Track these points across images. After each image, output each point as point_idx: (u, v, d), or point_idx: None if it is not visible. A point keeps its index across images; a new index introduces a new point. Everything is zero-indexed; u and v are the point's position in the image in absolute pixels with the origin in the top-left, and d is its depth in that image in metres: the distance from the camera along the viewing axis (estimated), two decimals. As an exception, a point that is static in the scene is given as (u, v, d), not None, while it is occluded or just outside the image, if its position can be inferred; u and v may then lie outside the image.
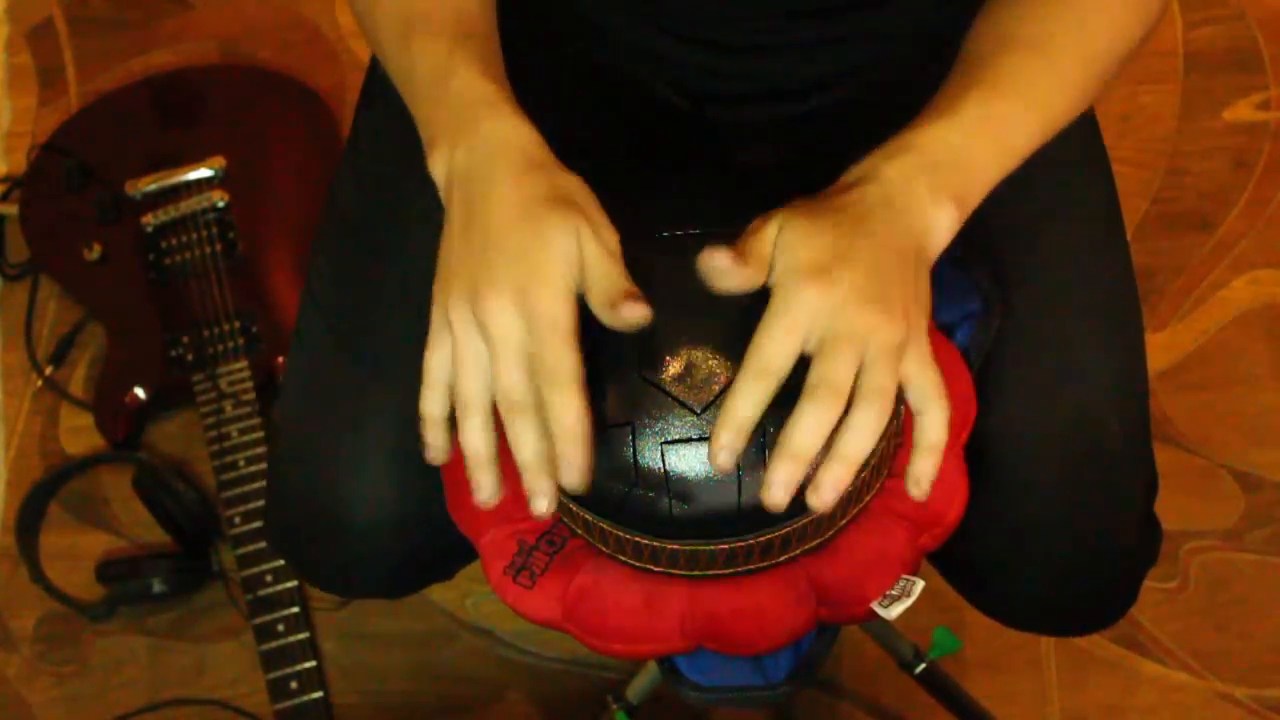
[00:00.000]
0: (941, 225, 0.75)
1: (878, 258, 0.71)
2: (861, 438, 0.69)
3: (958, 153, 0.76)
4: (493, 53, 0.80)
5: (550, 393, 0.70)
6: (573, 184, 0.75)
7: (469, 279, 0.72)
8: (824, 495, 0.70)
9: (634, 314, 0.71)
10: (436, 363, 0.75)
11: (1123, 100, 1.79)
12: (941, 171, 0.75)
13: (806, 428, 0.69)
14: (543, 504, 0.72)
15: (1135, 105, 1.79)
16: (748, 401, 0.69)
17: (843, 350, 0.69)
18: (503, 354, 0.71)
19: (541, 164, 0.75)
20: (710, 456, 0.70)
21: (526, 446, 0.71)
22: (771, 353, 0.69)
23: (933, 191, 0.74)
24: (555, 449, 0.71)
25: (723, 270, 0.71)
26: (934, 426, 0.72)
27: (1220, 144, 1.75)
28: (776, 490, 0.69)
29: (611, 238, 0.73)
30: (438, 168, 0.77)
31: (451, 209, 0.76)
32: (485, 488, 0.74)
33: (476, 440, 0.73)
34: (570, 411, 0.70)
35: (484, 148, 0.75)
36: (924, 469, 0.73)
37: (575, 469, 0.70)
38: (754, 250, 0.71)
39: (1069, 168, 0.98)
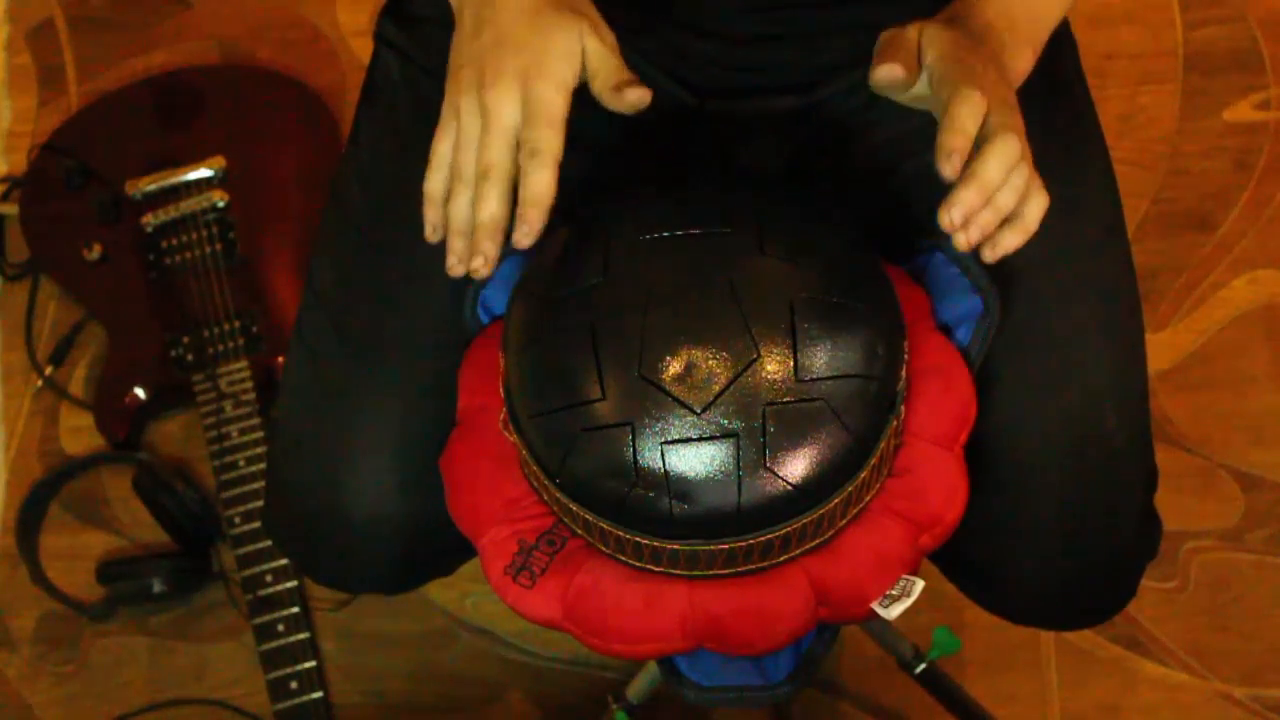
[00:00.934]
0: (1020, 68, 0.84)
1: (1002, 80, 0.80)
2: (1037, 207, 0.77)
3: (1030, 5, 0.85)
4: None
5: (529, 161, 0.76)
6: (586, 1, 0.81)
7: (476, 69, 0.78)
8: (1002, 246, 0.77)
9: (635, 94, 0.77)
10: (443, 147, 0.80)
11: (1123, 100, 1.79)
12: (1019, 20, 0.84)
13: (996, 161, 0.75)
14: (478, 261, 0.77)
15: (1135, 105, 1.79)
16: (972, 117, 0.75)
17: (1013, 111, 0.77)
18: (494, 128, 0.77)
19: None
20: (945, 210, 0.73)
21: (487, 207, 0.77)
22: (983, 84, 0.76)
23: (1012, 40, 0.83)
24: (518, 213, 0.76)
25: (899, 80, 0.78)
26: (1034, 213, 0.78)
27: (1220, 144, 1.75)
28: (957, 211, 0.74)
29: (610, 37, 0.80)
30: None
31: (463, 17, 0.81)
32: (457, 250, 0.78)
33: (463, 208, 0.78)
34: (543, 181, 0.76)
35: None
36: (1010, 242, 0.78)
37: (530, 229, 0.76)
38: (908, 56, 0.79)
39: (1070, 168, 0.98)
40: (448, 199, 0.79)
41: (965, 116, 0.75)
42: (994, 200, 0.75)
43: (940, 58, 0.78)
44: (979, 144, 0.75)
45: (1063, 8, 0.88)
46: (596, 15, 0.80)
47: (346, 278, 0.99)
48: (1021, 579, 0.95)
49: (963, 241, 0.75)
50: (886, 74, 0.78)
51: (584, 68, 0.78)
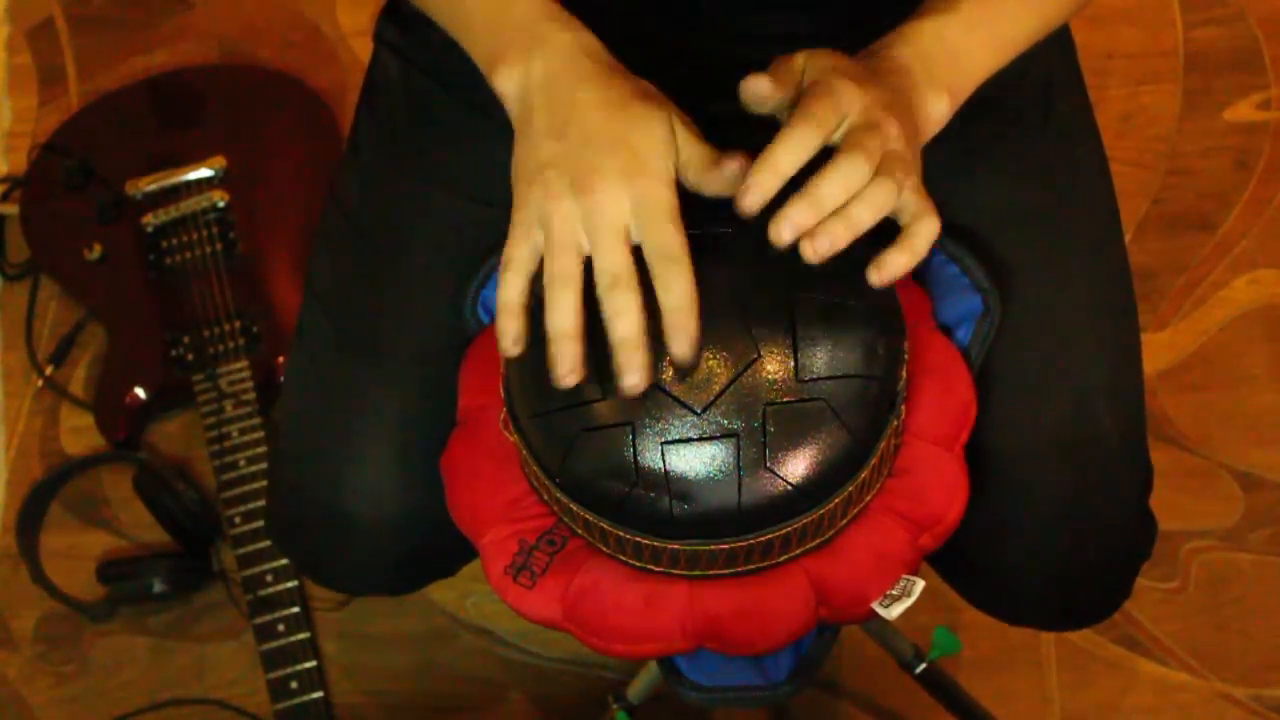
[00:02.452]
0: (934, 113, 0.79)
1: (894, 94, 0.76)
2: (869, 210, 0.73)
3: (954, 47, 0.81)
4: None
5: (665, 266, 0.72)
6: (649, 84, 0.78)
7: (568, 172, 0.74)
8: (819, 245, 0.72)
9: (734, 165, 0.74)
10: (523, 253, 0.75)
11: (1123, 100, 1.79)
12: (938, 64, 0.80)
13: (835, 178, 0.72)
14: (635, 378, 0.72)
15: (1135, 105, 1.79)
16: (789, 152, 0.73)
17: (873, 134, 0.74)
18: (609, 234, 0.73)
19: (619, 67, 0.79)
20: (738, 197, 0.72)
21: (627, 320, 0.72)
22: (819, 116, 0.73)
23: (929, 82, 0.79)
24: (666, 322, 0.72)
25: (765, 94, 0.76)
26: (924, 234, 0.75)
27: (1220, 144, 1.75)
28: (785, 226, 0.72)
29: (691, 122, 0.77)
30: (509, 82, 0.79)
31: (533, 115, 0.77)
32: (568, 359, 0.73)
33: (567, 315, 0.73)
34: (684, 282, 0.72)
35: (563, 55, 0.78)
36: (898, 261, 0.75)
37: (688, 338, 0.72)
38: (786, 74, 0.76)
39: (1068, 168, 0.98)
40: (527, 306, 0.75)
41: (781, 152, 0.73)
42: (846, 214, 0.73)
43: (810, 82, 0.76)
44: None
45: (996, 59, 0.83)
46: (671, 102, 0.78)
47: (346, 279, 0.99)
48: (1017, 579, 0.95)
49: (809, 252, 0.72)
50: (751, 87, 0.76)
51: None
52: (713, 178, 0.75)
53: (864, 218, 0.73)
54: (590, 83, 0.77)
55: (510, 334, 0.75)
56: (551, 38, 0.79)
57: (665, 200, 0.73)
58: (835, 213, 0.72)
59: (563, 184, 0.74)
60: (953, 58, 0.80)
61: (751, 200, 0.72)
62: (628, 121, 0.75)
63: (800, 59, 0.77)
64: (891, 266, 0.75)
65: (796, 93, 0.76)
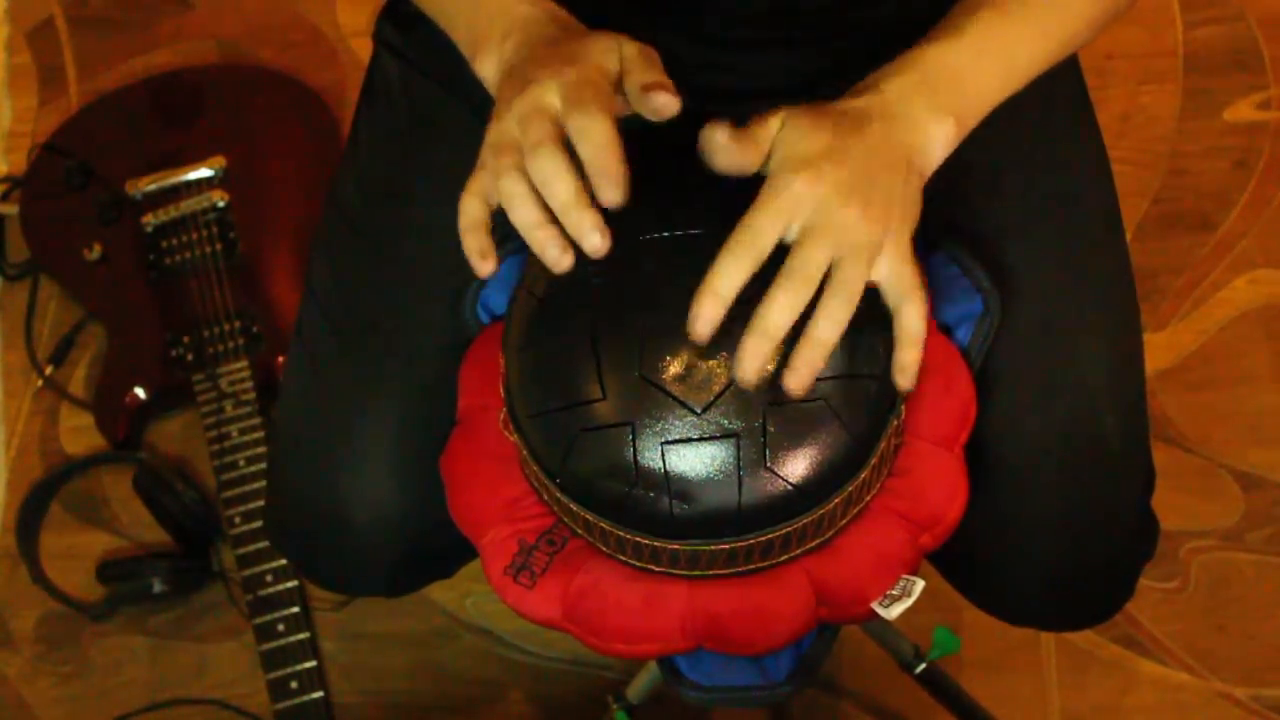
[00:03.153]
0: (938, 141, 0.78)
1: (867, 161, 0.74)
2: (828, 324, 0.72)
3: (959, 72, 0.79)
4: None
5: (578, 118, 0.72)
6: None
7: (509, 92, 0.75)
8: (799, 374, 0.72)
9: (662, 99, 0.73)
10: (475, 184, 0.76)
11: (1123, 100, 1.79)
12: (941, 90, 0.78)
13: (777, 307, 0.71)
14: (596, 238, 0.72)
15: (1135, 105, 1.79)
16: (727, 275, 0.72)
17: (817, 241, 0.72)
18: (533, 117, 0.73)
19: (581, 27, 0.80)
20: (689, 325, 0.72)
21: (560, 183, 0.72)
22: (755, 232, 0.72)
23: (931, 108, 0.78)
24: (589, 169, 0.72)
25: (720, 145, 0.74)
26: (912, 318, 0.75)
27: (1220, 144, 1.75)
28: (746, 363, 0.72)
29: (652, 50, 0.76)
30: (488, 66, 0.80)
31: (502, 84, 0.78)
32: (551, 241, 0.73)
33: (529, 207, 0.73)
34: (599, 126, 0.72)
35: (533, 27, 0.79)
36: (908, 358, 0.76)
37: (614, 181, 0.72)
38: (754, 136, 0.75)
39: (1069, 168, 0.98)
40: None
41: (721, 279, 0.71)
42: (811, 337, 0.72)
43: (771, 167, 0.74)
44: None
45: (1006, 85, 0.82)
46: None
47: (345, 279, 0.99)
48: (1018, 579, 0.95)
49: (796, 388, 0.72)
50: (710, 137, 0.74)
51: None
52: (639, 98, 0.74)
53: (829, 334, 0.72)
54: (550, 41, 0.78)
55: (474, 248, 0.76)
56: (521, 14, 0.80)
57: (585, 75, 0.74)
58: (804, 338, 0.72)
59: (503, 108, 0.75)
60: (958, 83, 0.79)
61: (702, 330, 0.72)
62: (571, 37, 0.77)
63: (775, 124, 0.76)
64: (910, 364, 0.75)
65: (759, 159, 0.75)
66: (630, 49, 0.76)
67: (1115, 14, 0.86)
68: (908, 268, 0.75)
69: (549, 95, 0.74)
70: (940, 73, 0.79)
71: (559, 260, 0.74)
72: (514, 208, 0.74)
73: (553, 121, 0.73)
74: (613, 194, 0.72)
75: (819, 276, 0.72)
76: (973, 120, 0.80)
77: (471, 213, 0.76)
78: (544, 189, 0.73)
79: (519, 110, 0.74)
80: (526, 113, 0.74)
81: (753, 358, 0.72)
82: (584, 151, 0.72)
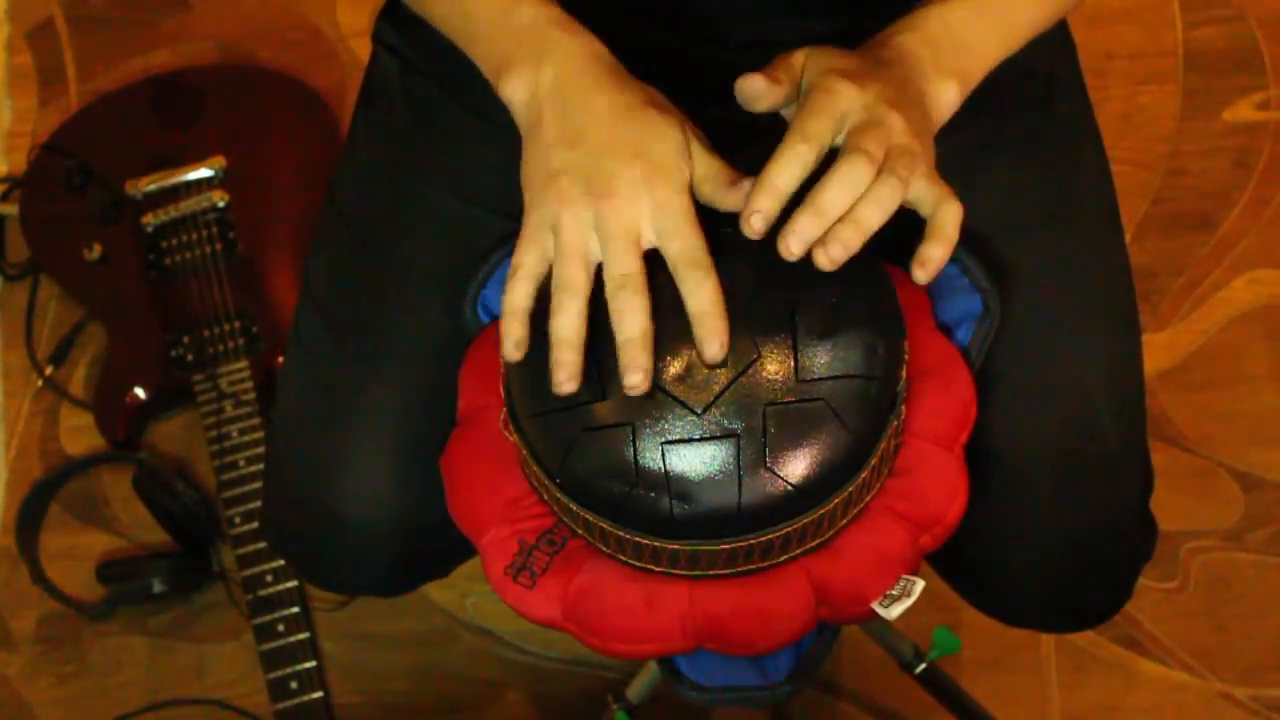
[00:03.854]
0: (944, 99, 0.80)
1: (897, 84, 0.76)
2: (875, 208, 0.73)
3: (961, 33, 0.81)
4: None
5: (690, 271, 0.73)
6: (658, 92, 0.79)
7: (582, 179, 0.75)
8: (832, 251, 0.73)
9: (749, 185, 0.74)
10: (532, 259, 0.76)
11: (1123, 100, 1.79)
12: (944, 50, 0.80)
13: (836, 184, 0.72)
14: (638, 378, 0.73)
15: (1135, 105, 1.79)
16: (786, 170, 0.73)
17: (875, 132, 0.73)
18: (623, 238, 0.74)
19: (627, 73, 0.79)
20: (742, 220, 0.73)
21: (634, 321, 0.73)
22: (813, 128, 0.73)
23: (936, 68, 0.79)
24: (696, 326, 0.73)
25: (760, 92, 0.76)
26: (949, 217, 0.75)
27: (1220, 144, 1.75)
28: (794, 239, 0.72)
29: (703, 135, 0.77)
30: (517, 90, 0.79)
31: (543, 123, 0.77)
32: (568, 366, 0.74)
33: (572, 322, 0.74)
34: (711, 285, 0.73)
35: (573, 62, 0.78)
36: (935, 253, 0.76)
37: (719, 340, 0.72)
38: (784, 72, 0.76)
39: (1068, 168, 0.98)
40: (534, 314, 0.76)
41: (778, 172, 0.73)
42: (854, 216, 0.73)
43: (810, 81, 0.76)
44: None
45: (1003, 45, 0.84)
46: (680, 112, 0.79)
47: (343, 280, 0.99)
48: (1017, 581, 0.95)
49: (824, 260, 0.73)
50: (747, 86, 0.76)
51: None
52: (727, 195, 0.75)
53: (872, 218, 0.73)
54: (602, 90, 0.77)
55: (513, 339, 0.76)
56: (560, 44, 0.79)
57: (685, 206, 0.74)
58: (843, 217, 0.73)
59: (576, 190, 0.74)
60: (959, 43, 0.81)
61: (756, 224, 0.73)
62: (643, 130, 0.76)
63: (800, 57, 0.77)
64: (933, 260, 0.76)
65: (795, 91, 0.76)
66: (697, 147, 0.76)
67: None
68: (940, 183, 0.76)
69: (636, 214, 0.74)
70: (943, 34, 0.80)
71: (564, 385, 0.74)
72: (562, 314, 0.74)
73: (638, 248, 0.74)
74: (716, 354, 0.73)
75: (879, 164, 0.73)
76: (974, 80, 0.82)
77: (520, 301, 0.76)
78: (618, 319, 0.73)
79: (602, 222, 0.74)
80: (613, 230, 0.74)
81: (801, 234, 0.72)
82: (693, 306, 0.73)
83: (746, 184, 0.75)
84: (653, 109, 0.77)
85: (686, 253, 0.73)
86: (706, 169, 0.76)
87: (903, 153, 0.74)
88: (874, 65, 0.77)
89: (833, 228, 0.73)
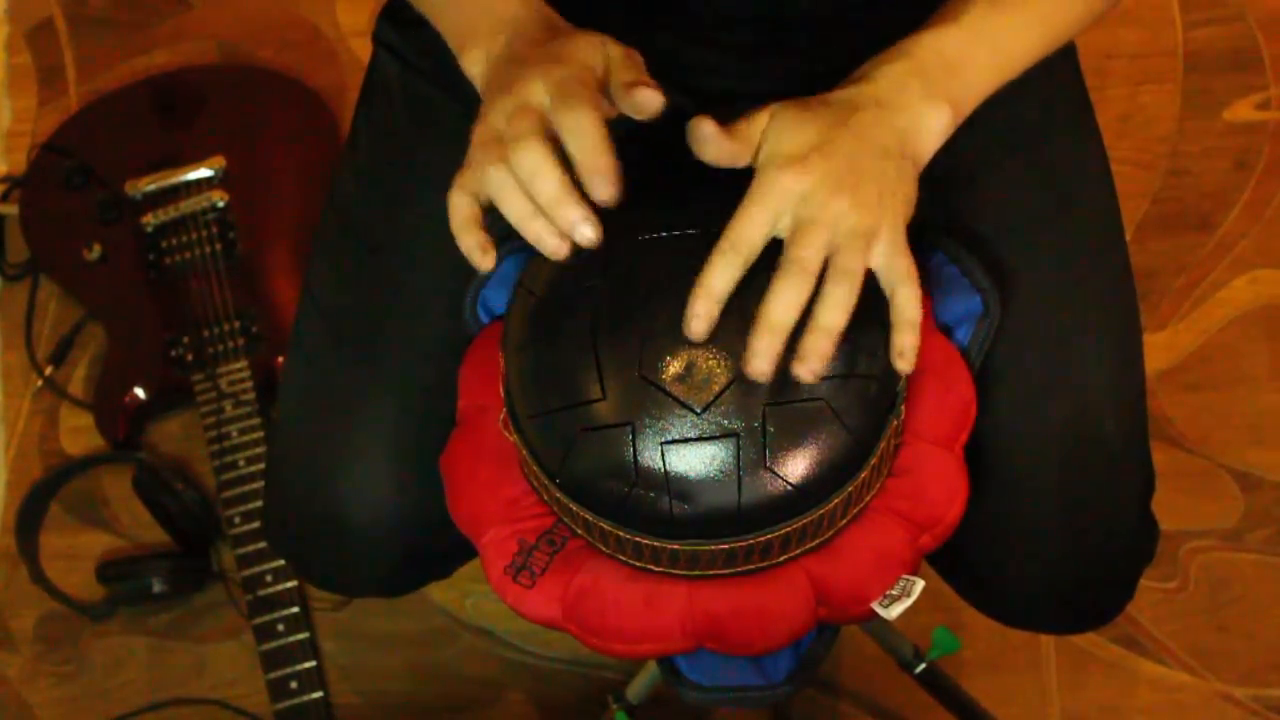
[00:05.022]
0: (933, 126, 0.78)
1: (856, 150, 0.75)
2: (833, 310, 0.73)
3: (953, 59, 0.79)
4: None
5: (565, 115, 0.72)
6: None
7: (496, 91, 0.75)
8: (809, 363, 0.72)
9: (645, 95, 0.73)
10: (464, 178, 0.76)
11: (1123, 100, 1.79)
12: (936, 77, 0.78)
13: (779, 301, 0.72)
14: (587, 230, 0.72)
15: (1135, 105, 1.79)
16: (720, 274, 0.73)
17: (811, 233, 0.73)
18: (518, 114, 0.73)
19: (571, 28, 0.79)
20: (684, 325, 0.73)
21: (545, 179, 0.72)
22: (744, 230, 0.73)
23: (926, 94, 0.78)
24: (581, 168, 0.72)
25: (707, 136, 0.75)
26: (908, 303, 0.75)
27: (1220, 144, 1.75)
28: (758, 360, 0.72)
29: (635, 53, 0.76)
30: (475, 63, 0.80)
31: (490, 84, 0.78)
32: (553, 226, 0.73)
33: (515, 197, 0.73)
34: (588, 122, 0.71)
35: (524, 28, 0.79)
36: (906, 342, 0.75)
37: (607, 177, 0.72)
38: (742, 131, 0.75)
39: (1068, 169, 0.98)
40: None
41: (714, 277, 0.72)
42: (818, 325, 0.72)
43: (760, 160, 0.75)
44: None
45: (999, 73, 0.82)
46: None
47: (343, 280, 0.99)
48: (1017, 582, 0.95)
49: (808, 376, 0.72)
50: (697, 128, 0.75)
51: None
52: (622, 94, 0.74)
53: (836, 320, 0.73)
54: (538, 41, 0.78)
55: (472, 245, 0.75)
56: (511, 15, 0.80)
57: (572, 73, 0.73)
58: (810, 327, 0.72)
59: (492, 106, 0.75)
60: (952, 70, 0.79)
61: (698, 328, 0.73)
62: (556, 37, 0.77)
63: (762, 121, 0.76)
64: (907, 348, 0.75)
65: (748, 153, 0.76)
66: (615, 50, 0.76)
67: (1111, 2, 0.87)
68: (901, 254, 0.75)
69: (535, 92, 0.74)
70: (935, 60, 0.79)
71: (558, 249, 0.73)
72: (504, 200, 0.73)
73: (538, 117, 0.73)
74: (605, 190, 0.72)
75: (817, 268, 0.73)
76: (968, 107, 0.81)
77: (462, 209, 0.76)
78: (530, 184, 0.73)
79: (504, 106, 0.74)
80: (512, 109, 0.74)
81: (762, 353, 0.72)
82: (574, 148, 0.72)
83: (644, 92, 0.73)
84: (579, 31, 0.77)
85: (566, 101, 0.72)
86: (619, 61, 0.75)
87: (849, 241, 0.73)
88: (836, 124, 0.75)
89: (803, 341, 0.72)
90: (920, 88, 0.78)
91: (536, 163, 0.72)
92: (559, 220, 0.72)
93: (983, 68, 0.81)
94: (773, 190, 0.73)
